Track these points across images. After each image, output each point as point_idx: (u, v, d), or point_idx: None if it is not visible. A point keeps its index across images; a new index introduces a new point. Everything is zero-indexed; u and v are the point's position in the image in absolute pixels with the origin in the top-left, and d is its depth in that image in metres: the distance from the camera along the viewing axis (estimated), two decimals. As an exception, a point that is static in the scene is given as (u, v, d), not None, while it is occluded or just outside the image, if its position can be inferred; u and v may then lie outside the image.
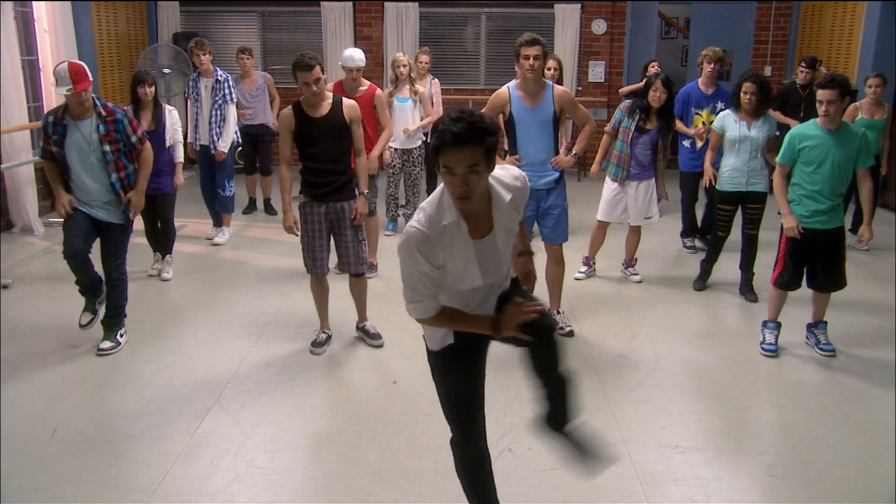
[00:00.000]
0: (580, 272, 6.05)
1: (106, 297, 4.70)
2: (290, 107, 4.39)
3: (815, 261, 4.53)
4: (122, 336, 4.73)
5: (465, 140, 2.08)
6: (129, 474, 3.34)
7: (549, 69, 6.55)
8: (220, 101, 6.76)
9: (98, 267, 4.66)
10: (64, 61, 4.30)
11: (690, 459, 3.50)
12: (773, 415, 3.94)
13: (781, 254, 4.58)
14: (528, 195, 2.52)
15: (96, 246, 4.61)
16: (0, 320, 5.01)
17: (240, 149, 7.39)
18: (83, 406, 3.97)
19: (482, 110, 4.33)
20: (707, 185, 5.72)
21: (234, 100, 6.90)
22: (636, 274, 6.07)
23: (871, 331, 5.07)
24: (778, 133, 5.60)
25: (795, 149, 4.41)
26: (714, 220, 5.75)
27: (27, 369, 4.37)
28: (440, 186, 2.30)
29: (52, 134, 4.36)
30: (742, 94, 5.28)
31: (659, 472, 3.40)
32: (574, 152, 4.75)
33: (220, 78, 6.77)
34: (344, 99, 4.48)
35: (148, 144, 4.65)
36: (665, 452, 3.55)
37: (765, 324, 4.80)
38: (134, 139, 4.53)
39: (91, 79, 4.32)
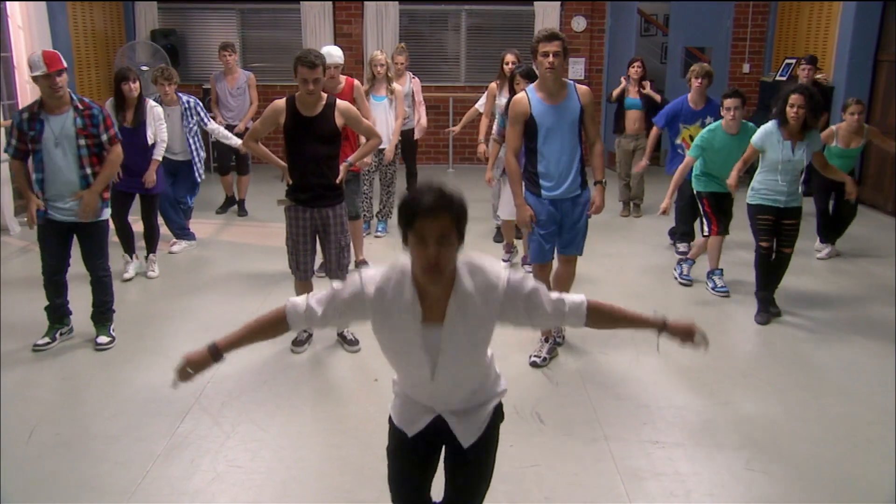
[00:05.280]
0: (504, 259, 6.19)
1: (93, 294, 4.70)
2: (283, 99, 4.33)
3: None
4: (113, 330, 4.75)
5: (437, 208, 2.01)
6: (108, 475, 3.31)
7: (507, 63, 6.43)
8: (195, 128, 6.50)
9: (73, 287, 4.69)
10: (38, 51, 4.31)
11: (671, 455, 3.52)
12: (752, 409, 3.98)
13: (709, 210, 5.61)
14: (505, 297, 2.17)
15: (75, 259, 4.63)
16: (-25, 321, 4.95)
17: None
18: (61, 407, 3.93)
19: (507, 125, 4.37)
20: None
21: (209, 121, 6.67)
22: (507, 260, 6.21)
23: (846, 325, 5.12)
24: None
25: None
26: (753, 231, 5.26)
27: (3, 371, 4.31)
28: (402, 263, 2.16)
29: (27, 130, 4.31)
30: (788, 108, 4.80)
31: (640, 467, 3.41)
32: (600, 180, 4.38)
33: (188, 105, 6.42)
34: (338, 101, 4.40)
35: (118, 147, 4.52)
36: (646, 448, 3.57)
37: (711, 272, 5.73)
38: (105, 137, 4.45)
39: (65, 65, 4.27)
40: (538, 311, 2.21)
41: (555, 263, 4.57)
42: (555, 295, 2.25)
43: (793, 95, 4.78)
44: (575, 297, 2.29)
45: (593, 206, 4.37)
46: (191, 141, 6.53)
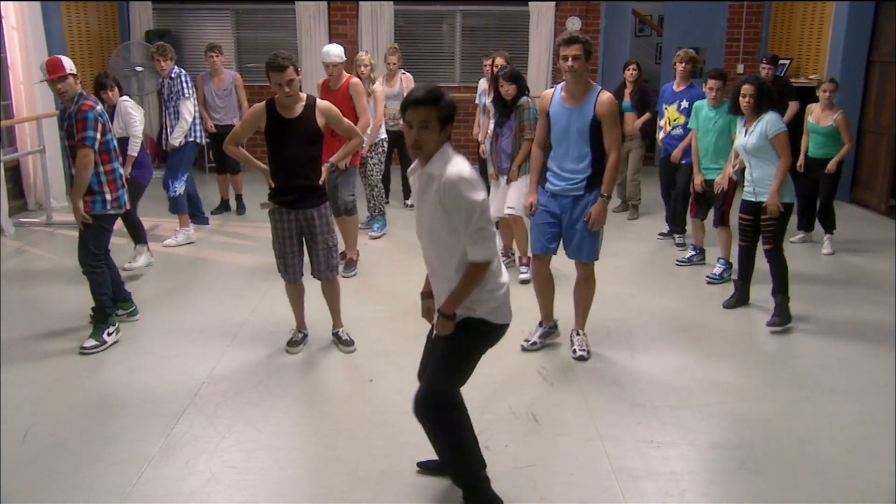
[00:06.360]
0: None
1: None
2: (264, 102, 4.31)
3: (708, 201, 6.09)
4: (109, 335, 4.63)
5: (421, 101, 2.70)
6: (104, 476, 3.31)
7: (496, 66, 6.39)
8: (175, 98, 6.70)
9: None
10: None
11: (666, 454, 3.53)
12: (746, 409, 3.99)
13: (693, 197, 6.20)
14: (453, 201, 2.70)
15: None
16: (-30, 322, 4.93)
17: (201, 144, 7.26)
18: (57, 408, 3.92)
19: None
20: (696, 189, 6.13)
21: (190, 95, 6.76)
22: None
23: (841, 324, 5.14)
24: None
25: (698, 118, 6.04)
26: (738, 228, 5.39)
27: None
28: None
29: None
30: (741, 98, 4.99)
31: (635, 467, 3.42)
32: (602, 194, 4.27)
33: (173, 75, 6.71)
34: (318, 100, 4.39)
35: (83, 151, 4.37)
36: (641, 448, 3.58)
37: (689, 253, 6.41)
38: (75, 139, 4.40)
39: (66, 71, 4.39)
40: (461, 227, 2.72)
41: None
42: (472, 229, 2.70)
43: (743, 86, 5.00)
44: (479, 253, 2.74)
45: (590, 220, 4.28)
46: (169, 110, 6.69)
